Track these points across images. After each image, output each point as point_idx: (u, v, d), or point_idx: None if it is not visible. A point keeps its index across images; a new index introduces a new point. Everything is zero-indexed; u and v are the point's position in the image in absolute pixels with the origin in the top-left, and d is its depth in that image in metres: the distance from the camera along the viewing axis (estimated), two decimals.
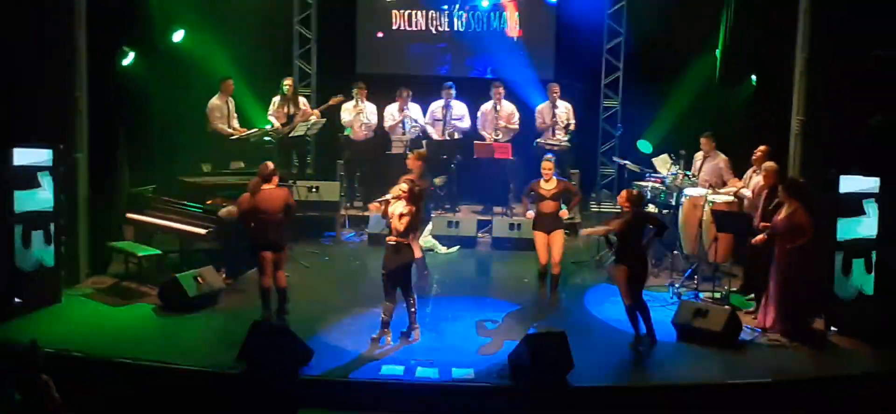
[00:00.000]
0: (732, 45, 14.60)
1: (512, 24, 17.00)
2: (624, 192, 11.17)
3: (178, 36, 14.90)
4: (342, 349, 10.50)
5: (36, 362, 8.30)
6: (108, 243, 12.75)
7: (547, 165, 12.20)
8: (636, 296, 10.79)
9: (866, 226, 11.20)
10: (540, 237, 12.04)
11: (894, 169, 11.09)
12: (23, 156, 11.21)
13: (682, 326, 11.15)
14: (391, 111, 15.71)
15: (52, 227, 11.58)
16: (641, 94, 16.50)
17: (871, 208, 11.15)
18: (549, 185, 12.11)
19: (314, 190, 14.83)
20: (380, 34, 17.19)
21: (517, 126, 15.78)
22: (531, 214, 12.15)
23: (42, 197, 11.45)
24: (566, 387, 9.68)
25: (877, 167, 11.17)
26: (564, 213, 12.08)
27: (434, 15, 17.08)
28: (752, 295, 11.96)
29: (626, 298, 10.81)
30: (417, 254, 11.62)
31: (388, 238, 10.67)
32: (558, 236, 12.03)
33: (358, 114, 15.63)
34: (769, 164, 11.96)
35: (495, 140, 15.50)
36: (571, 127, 15.53)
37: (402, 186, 10.73)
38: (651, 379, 10.23)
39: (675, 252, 13.72)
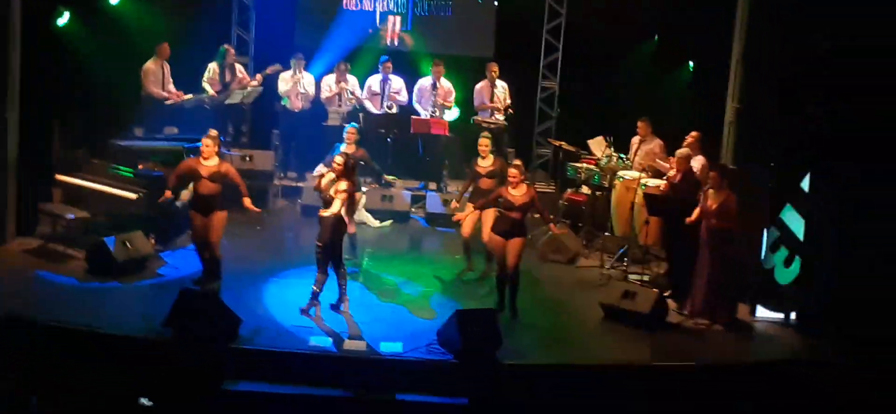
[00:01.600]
0: (672, 30, 14.73)
1: None
2: (517, 166, 11.28)
3: None
4: (272, 319, 10.48)
5: None
6: (37, 204, 12.54)
7: (484, 142, 12.24)
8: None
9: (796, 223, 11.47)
10: (473, 215, 12.09)
11: (825, 158, 11.31)
12: None
13: (610, 307, 11.27)
14: (329, 83, 15.63)
15: None
16: (579, 75, 16.55)
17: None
18: (486, 162, 12.17)
19: (248, 159, 14.72)
20: None
21: (453, 105, 15.81)
22: (458, 208, 12.35)
23: None
24: (495, 363, 9.74)
25: (807, 158, 11.38)
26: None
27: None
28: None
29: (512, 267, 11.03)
30: (351, 228, 11.61)
31: (322, 211, 10.64)
32: (490, 215, 12.08)
33: (295, 84, 15.52)
34: (682, 150, 12.16)
35: (432, 115, 15.50)
36: (509, 108, 15.55)
37: (337, 159, 10.71)
38: (579, 358, 10.30)
39: (607, 234, 13.84)
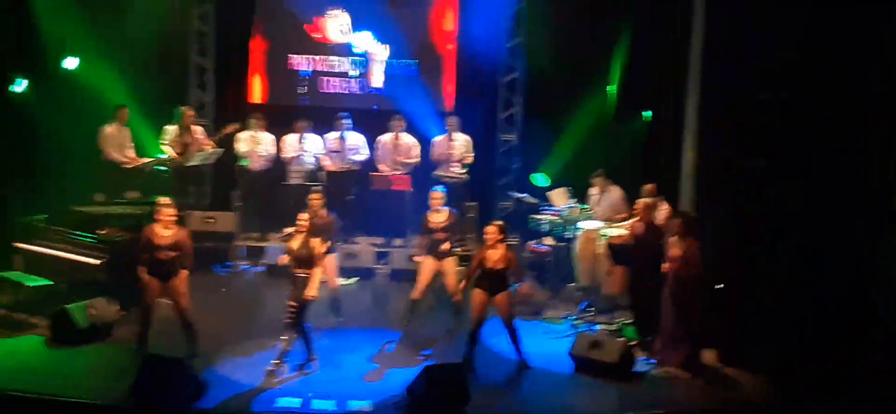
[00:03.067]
0: (627, 80, 14.89)
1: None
2: (495, 227, 11.35)
3: (71, 63, 14.66)
4: (237, 382, 10.40)
5: None
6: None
7: (436, 195, 12.34)
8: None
9: None
10: (428, 263, 12.25)
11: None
12: None
13: (578, 358, 11.30)
14: (291, 142, 15.62)
15: None
16: (538, 128, 16.67)
17: None
18: (439, 216, 12.26)
19: (210, 220, 14.67)
20: (300, 90, 17.29)
21: (418, 159, 15.79)
22: (419, 258, 12.51)
23: None
24: None
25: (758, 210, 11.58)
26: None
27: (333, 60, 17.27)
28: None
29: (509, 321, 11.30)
30: (333, 283, 12.13)
31: (296, 270, 10.60)
32: (449, 264, 12.27)
33: (254, 145, 15.51)
34: (645, 199, 12.29)
35: (394, 172, 15.51)
36: (467, 160, 15.61)
37: (302, 219, 10.72)
38: (548, 412, 10.28)
39: (571, 284, 13.89)
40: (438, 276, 12.45)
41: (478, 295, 11.28)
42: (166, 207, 11.01)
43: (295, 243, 10.73)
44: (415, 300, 12.43)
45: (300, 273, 10.59)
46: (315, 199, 12.31)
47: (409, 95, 16.77)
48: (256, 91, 17.31)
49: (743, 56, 11.99)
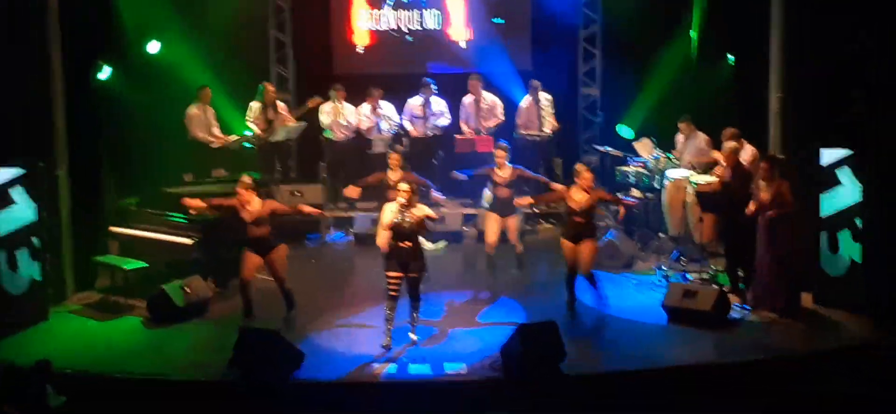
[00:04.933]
0: (709, 24, 14.63)
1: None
2: (587, 174, 11.30)
3: (154, 47, 14.86)
4: (333, 351, 10.48)
5: (45, 383, 8.28)
6: (94, 258, 12.67)
7: (500, 152, 12.56)
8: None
9: (845, 194, 11.30)
10: (492, 218, 12.54)
11: (869, 142, 11.19)
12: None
13: (671, 309, 11.19)
14: (364, 112, 15.66)
15: (35, 241, 11.51)
16: (619, 79, 16.49)
17: (846, 176, 11.24)
18: (503, 172, 12.48)
19: (297, 193, 14.81)
20: (360, 50, 17.21)
21: (502, 118, 15.79)
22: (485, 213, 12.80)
23: (19, 215, 11.37)
24: (560, 376, 9.68)
25: (853, 141, 11.27)
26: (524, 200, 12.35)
27: (405, 14, 17.14)
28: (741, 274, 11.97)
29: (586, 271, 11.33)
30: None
31: (401, 243, 10.47)
32: (513, 220, 12.62)
33: (336, 116, 15.59)
34: (730, 143, 12.04)
35: (477, 133, 15.49)
36: (551, 123, 15.56)
37: (403, 187, 10.58)
38: (644, 363, 10.17)
39: (662, 235, 13.75)
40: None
41: (567, 244, 11.39)
42: (247, 184, 11.14)
43: (394, 215, 10.47)
44: (490, 255, 12.72)
45: (404, 245, 10.42)
46: (394, 160, 12.40)
47: (491, 54, 16.68)
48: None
49: None
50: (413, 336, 10.61)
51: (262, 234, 11.09)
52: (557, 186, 12.47)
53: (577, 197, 11.30)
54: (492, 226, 12.66)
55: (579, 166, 11.53)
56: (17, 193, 11.35)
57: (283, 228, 11.57)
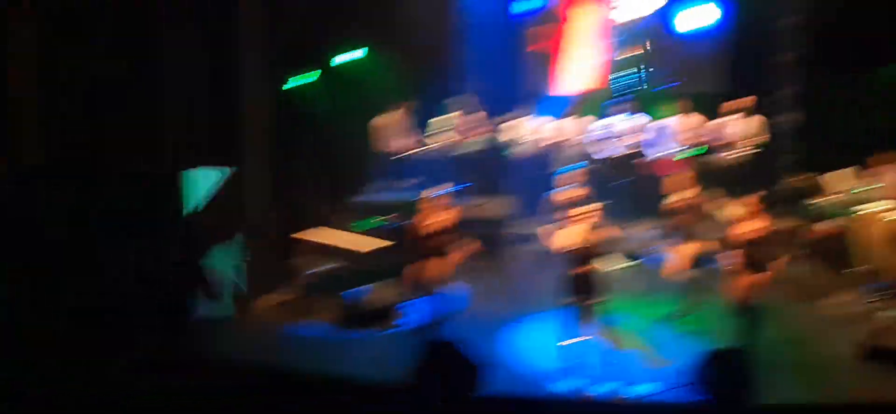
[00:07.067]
0: None
1: None
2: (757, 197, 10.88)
3: (348, 57, 15.21)
4: (515, 364, 10.49)
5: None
6: (287, 259, 13.01)
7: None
8: None
9: None
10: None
11: None
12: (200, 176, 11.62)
13: (874, 346, 10.66)
14: (551, 129, 15.64)
15: (236, 238, 11.89)
16: (819, 105, 15.89)
17: None
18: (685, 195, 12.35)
19: (481, 206, 14.91)
20: None
21: (699, 139, 15.60)
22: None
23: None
24: (751, 405, 9.39)
25: None
26: None
27: None
28: None
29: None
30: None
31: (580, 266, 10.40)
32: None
33: (522, 130, 15.66)
34: None
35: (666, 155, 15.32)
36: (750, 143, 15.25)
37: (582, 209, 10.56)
38: (838, 397, 9.78)
39: (855, 268, 13.19)
40: None
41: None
42: (429, 198, 11.25)
43: (577, 235, 10.39)
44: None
45: (583, 269, 10.33)
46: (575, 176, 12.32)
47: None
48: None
49: None
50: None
51: (441, 243, 11.17)
52: None
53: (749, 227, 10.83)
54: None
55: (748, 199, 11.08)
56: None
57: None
